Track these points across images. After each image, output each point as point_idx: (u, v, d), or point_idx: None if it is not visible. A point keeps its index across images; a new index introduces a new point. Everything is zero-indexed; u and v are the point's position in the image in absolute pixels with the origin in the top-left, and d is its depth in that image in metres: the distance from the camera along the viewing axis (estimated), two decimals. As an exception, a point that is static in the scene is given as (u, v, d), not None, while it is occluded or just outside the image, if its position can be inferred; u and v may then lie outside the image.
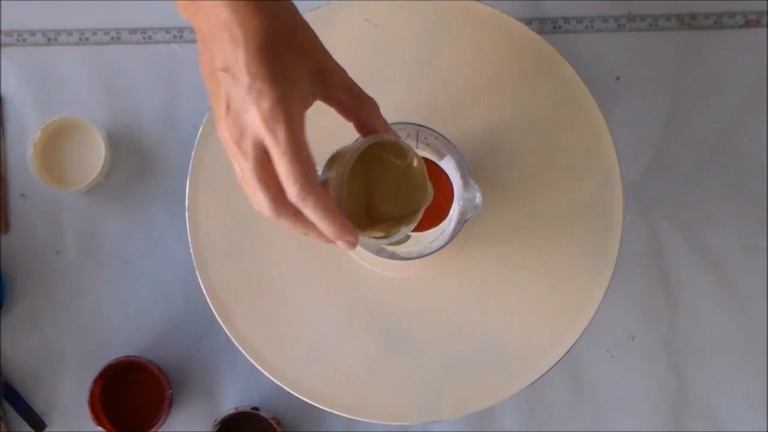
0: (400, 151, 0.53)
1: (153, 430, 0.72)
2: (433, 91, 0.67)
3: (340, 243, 0.49)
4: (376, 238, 0.53)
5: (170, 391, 0.73)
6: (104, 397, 0.73)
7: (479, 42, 0.67)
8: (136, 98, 0.77)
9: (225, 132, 0.46)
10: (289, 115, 0.45)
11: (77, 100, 0.77)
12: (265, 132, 0.45)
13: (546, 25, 0.77)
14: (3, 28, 0.77)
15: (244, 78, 0.45)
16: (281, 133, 0.45)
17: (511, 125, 0.67)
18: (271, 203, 0.47)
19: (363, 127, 0.52)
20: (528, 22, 0.76)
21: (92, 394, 0.71)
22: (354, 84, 0.51)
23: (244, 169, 0.47)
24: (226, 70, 0.45)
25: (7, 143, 0.76)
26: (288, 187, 0.46)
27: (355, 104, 0.51)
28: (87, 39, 0.77)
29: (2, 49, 0.77)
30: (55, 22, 0.77)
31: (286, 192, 0.46)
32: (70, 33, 0.77)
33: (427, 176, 0.54)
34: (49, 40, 0.77)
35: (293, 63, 0.47)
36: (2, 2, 0.77)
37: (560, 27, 0.77)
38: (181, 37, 0.78)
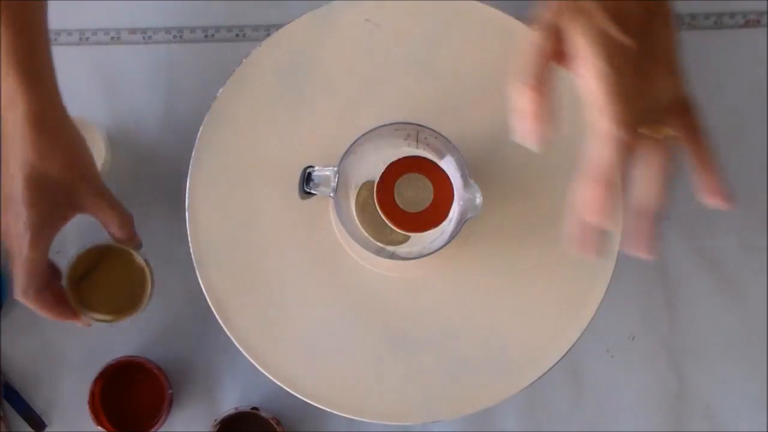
0: (126, 255, 0.67)
1: (153, 430, 0.72)
2: (433, 91, 0.67)
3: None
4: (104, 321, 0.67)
5: (170, 391, 0.72)
6: (104, 397, 0.72)
7: (479, 42, 0.67)
8: (136, 98, 0.77)
9: None
10: (34, 239, 0.57)
11: (77, 100, 0.76)
12: (15, 241, 0.58)
13: (546, 25, 0.77)
14: (3, 28, 0.77)
15: (13, 198, 0.57)
16: (24, 250, 0.57)
17: (512, 125, 0.66)
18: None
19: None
20: (528, 22, 0.76)
21: (92, 395, 0.71)
22: (112, 204, 0.63)
23: (7, 252, 0.59)
24: (6, 183, 0.57)
25: (7, 143, 0.76)
26: (17, 288, 0.59)
27: (107, 222, 0.63)
28: (87, 39, 0.77)
29: (2, 49, 0.77)
30: (55, 22, 0.77)
31: (16, 290, 0.59)
32: (70, 33, 0.77)
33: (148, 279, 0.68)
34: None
35: (54, 195, 0.58)
36: (2, 2, 0.77)
37: (560, 27, 0.77)
38: (181, 37, 0.78)
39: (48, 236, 0.59)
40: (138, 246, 0.67)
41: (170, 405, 0.73)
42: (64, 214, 0.60)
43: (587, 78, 0.47)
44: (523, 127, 0.48)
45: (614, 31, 0.46)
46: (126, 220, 0.64)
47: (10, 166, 0.56)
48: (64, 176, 0.58)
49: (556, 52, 0.48)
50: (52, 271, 0.64)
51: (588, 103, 0.48)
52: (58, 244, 0.75)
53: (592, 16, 0.47)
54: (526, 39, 0.48)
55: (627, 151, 0.47)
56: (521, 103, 0.48)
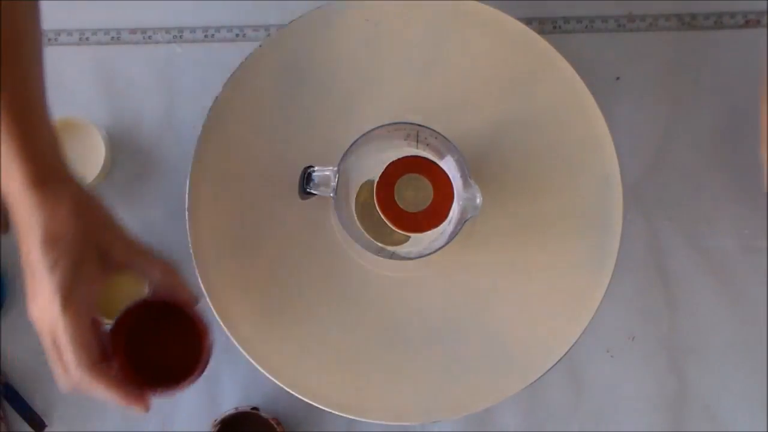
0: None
1: (187, 381, 0.60)
2: (433, 91, 0.67)
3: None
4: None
5: (211, 339, 0.61)
6: (130, 335, 0.60)
7: (479, 42, 0.67)
8: (136, 98, 0.77)
9: (30, 314, 0.53)
10: (66, 302, 0.52)
11: (77, 100, 0.77)
12: (49, 316, 0.52)
13: (546, 25, 0.77)
14: (3, 28, 0.77)
15: (34, 267, 0.52)
16: (59, 318, 0.52)
17: (511, 125, 0.67)
18: (66, 385, 0.54)
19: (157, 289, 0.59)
20: (528, 22, 0.76)
21: (118, 324, 0.59)
22: (141, 249, 0.57)
23: (45, 348, 0.53)
24: (26, 257, 0.53)
25: (7, 143, 0.76)
26: (69, 366, 0.53)
27: (148, 269, 0.57)
28: (87, 39, 0.77)
29: (2, 49, 0.77)
30: (55, 22, 0.77)
31: (68, 370, 0.53)
32: (70, 33, 0.77)
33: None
34: (49, 40, 0.77)
35: (75, 250, 0.52)
36: (2, 2, 0.77)
37: (560, 27, 0.77)
38: (181, 37, 0.78)
39: (82, 298, 0.53)
40: (195, 301, 0.60)
41: (209, 357, 0.61)
42: (93, 274, 0.54)
43: None
44: None
45: None
46: (168, 265, 0.58)
47: (26, 243, 0.52)
48: (79, 230, 0.53)
49: None
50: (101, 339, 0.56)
51: None
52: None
53: None
54: None
55: None
56: None
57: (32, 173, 0.51)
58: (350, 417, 0.64)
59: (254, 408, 0.71)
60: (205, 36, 0.78)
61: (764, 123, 0.63)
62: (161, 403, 0.74)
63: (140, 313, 0.59)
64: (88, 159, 0.74)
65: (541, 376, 0.64)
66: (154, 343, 0.62)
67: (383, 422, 0.65)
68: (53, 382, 0.74)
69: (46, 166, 0.53)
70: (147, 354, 0.61)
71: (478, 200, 0.58)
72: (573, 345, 0.65)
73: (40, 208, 0.52)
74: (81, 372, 0.53)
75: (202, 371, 0.60)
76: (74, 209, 0.53)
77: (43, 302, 0.52)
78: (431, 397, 0.65)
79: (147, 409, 0.56)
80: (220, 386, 0.75)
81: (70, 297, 0.52)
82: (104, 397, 0.54)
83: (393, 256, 0.63)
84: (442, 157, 0.62)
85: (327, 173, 0.60)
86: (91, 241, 0.54)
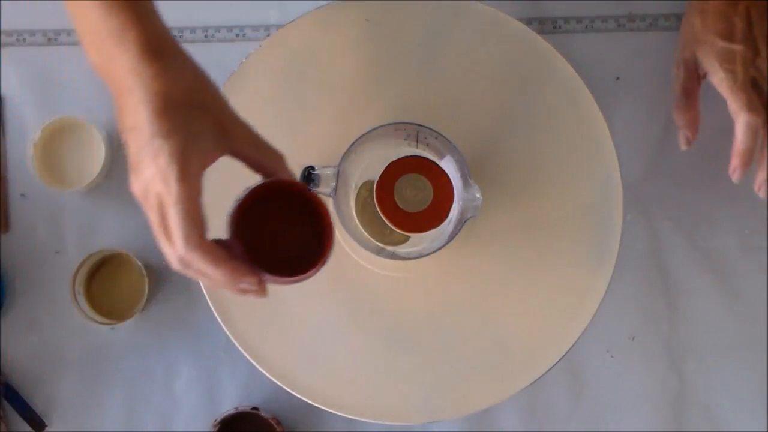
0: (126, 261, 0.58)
1: (315, 267, 0.55)
2: (433, 91, 0.67)
3: (247, 294, 0.52)
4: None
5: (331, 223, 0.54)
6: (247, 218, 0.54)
7: (479, 42, 0.67)
8: (136, 98, 0.77)
9: (134, 188, 0.51)
10: (183, 171, 0.49)
11: (77, 100, 0.76)
12: (161, 186, 0.49)
13: (546, 25, 0.77)
14: (3, 28, 0.77)
15: (145, 136, 0.49)
16: (173, 187, 0.49)
17: (511, 125, 0.67)
18: (176, 257, 0.50)
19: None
20: (528, 22, 0.76)
21: (241, 204, 0.54)
22: (258, 138, 0.53)
23: (151, 222, 0.50)
24: (132, 129, 0.49)
25: (7, 143, 0.76)
26: (176, 240, 0.49)
27: (260, 158, 0.53)
28: (87, 39, 0.77)
29: (2, 49, 0.77)
30: (55, 22, 0.77)
31: (174, 245, 0.50)
32: (70, 33, 0.77)
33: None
34: (49, 40, 0.77)
35: (194, 120, 0.50)
36: (2, 2, 0.77)
37: (560, 27, 0.77)
38: (180, 37, 0.77)
39: (197, 169, 0.50)
40: (305, 186, 0.54)
41: (333, 242, 0.55)
42: (209, 148, 0.50)
43: (716, 84, 0.68)
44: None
45: (723, 44, 0.67)
46: (282, 156, 0.54)
47: (136, 113, 0.49)
48: (198, 102, 0.50)
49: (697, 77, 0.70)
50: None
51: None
52: (57, 244, 0.75)
53: (706, 42, 0.68)
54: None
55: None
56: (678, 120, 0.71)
57: (151, 43, 0.50)
58: (350, 417, 0.64)
59: (254, 408, 0.71)
60: (205, 36, 0.78)
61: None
62: (161, 403, 0.75)
63: (256, 201, 0.54)
64: (88, 159, 0.74)
65: (541, 376, 0.64)
66: (273, 231, 0.55)
67: (383, 422, 0.65)
68: (53, 382, 0.75)
69: (164, 38, 0.51)
70: (266, 242, 0.55)
71: (478, 200, 0.58)
72: (573, 345, 0.65)
73: (160, 76, 0.49)
74: (190, 247, 0.49)
75: (327, 258, 0.55)
76: (194, 82, 0.51)
77: (151, 172, 0.49)
78: (431, 397, 0.65)
79: (264, 291, 0.52)
80: (220, 386, 0.75)
81: (187, 166, 0.49)
82: (213, 277, 0.51)
83: (393, 256, 0.63)
84: (442, 157, 0.62)
85: (327, 173, 0.60)
86: (209, 116, 0.51)
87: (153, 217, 0.50)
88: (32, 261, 0.75)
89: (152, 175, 0.49)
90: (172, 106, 0.49)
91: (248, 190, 0.53)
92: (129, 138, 0.50)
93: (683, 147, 0.72)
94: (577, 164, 0.66)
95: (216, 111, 0.52)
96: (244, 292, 0.52)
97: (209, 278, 0.51)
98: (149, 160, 0.49)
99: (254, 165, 0.54)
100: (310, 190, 0.58)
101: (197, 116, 0.50)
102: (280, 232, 0.55)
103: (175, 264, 0.51)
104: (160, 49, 0.50)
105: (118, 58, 0.50)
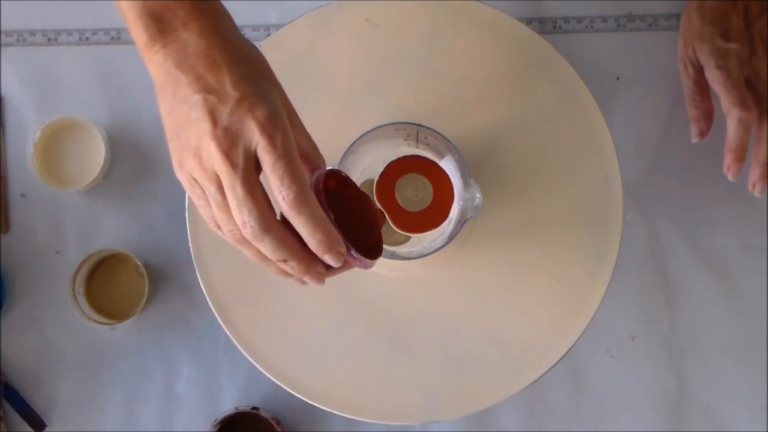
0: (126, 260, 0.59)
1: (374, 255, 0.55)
2: (433, 91, 0.67)
3: (310, 277, 0.50)
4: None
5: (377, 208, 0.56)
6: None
7: (479, 42, 0.67)
8: (136, 98, 0.77)
9: (211, 147, 0.46)
10: (284, 123, 0.47)
11: (77, 100, 0.77)
12: (261, 137, 0.46)
13: (546, 25, 0.77)
14: (3, 28, 0.77)
15: (233, 95, 0.46)
16: (279, 138, 0.46)
17: (511, 125, 0.67)
18: (259, 218, 0.46)
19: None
20: (528, 22, 0.76)
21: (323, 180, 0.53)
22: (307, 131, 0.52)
23: (229, 184, 0.46)
24: (208, 91, 0.47)
25: (7, 143, 0.76)
26: (283, 192, 0.46)
27: (310, 149, 0.51)
28: (87, 39, 0.77)
29: (2, 49, 0.77)
30: (55, 22, 0.77)
31: (278, 200, 0.46)
32: (70, 33, 0.77)
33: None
34: (49, 40, 0.77)
35: (271, 91, 0.49)
36: (2, 2, 0.77)
37: (560, 27, 0.77)
38: (181, 37, 0.77)
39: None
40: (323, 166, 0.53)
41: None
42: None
43: (711, 81, 0.70)
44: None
45: (720, 42, 0.68)
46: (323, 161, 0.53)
47: (212, 71, 0.47)
48: (269, 77, 0.50)
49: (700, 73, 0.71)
50: None
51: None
52: (57, 244, 0.75)
53: (704, 39, 0.69)
54: None
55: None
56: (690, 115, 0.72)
57: (214, 25, 0.48)
58: (350, 417, 0.64)
59: (254, 408, 0.71)
60: (205, 36, 0.78)
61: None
62: (161, 403, 0.75)
63: (327, 185, 0.53)
64: (88, 159, 0.74)
65: (541, 376, 0.64)
66: (346, 213, 0.53)
67: (383, 422, 0.65)
68: (53, 382, 0.75)
69: (227, 22, 0.50)
70: (345, 223, 0.52)
71: (478, 200, 0.58)
72: (573, 345, 0.65)
73: (227, 41, 0.48)
74: (300, 201, 0.46)
75: (380, 250, 0.55)
76: (265, 62, 0.50)
77: (250, 126, 0.46)
78: (431, 397, 0.65)
79: (327, 275, 0.50)
80: (220, 386, 0.75)
81: (285, 120, 0.47)
82: (289, 250, 0.48)
83: (393, 256, 0.63)
84: (442, 157, 0.62)
85: (327, 173, 0.60)
86: (279, 92, 0.50)
87: (237, 175, 0.46)
88: (32, 261, 0.75)
89: (250, 127, 0.46)
90: (249, 70, 0.48)
91: (321, 173, 0.52)
92: (199, 101, 0.46)
93: (695, 139, 0.72)
94: (576, 164, 0.66)
95: (281, 90, 0.50)
96: (310, 273, 0.49)
97: (293, 252, 0.48)
98: (245, 115, 0.46)
99: (302, 155, 0.51)
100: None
101: (272, 89, 0.49)
102: (350, 216, 0.53)
103: (255, 230, 0.46)
104: (225, 28, 0.49)
105: (194, 23, 0.48)
